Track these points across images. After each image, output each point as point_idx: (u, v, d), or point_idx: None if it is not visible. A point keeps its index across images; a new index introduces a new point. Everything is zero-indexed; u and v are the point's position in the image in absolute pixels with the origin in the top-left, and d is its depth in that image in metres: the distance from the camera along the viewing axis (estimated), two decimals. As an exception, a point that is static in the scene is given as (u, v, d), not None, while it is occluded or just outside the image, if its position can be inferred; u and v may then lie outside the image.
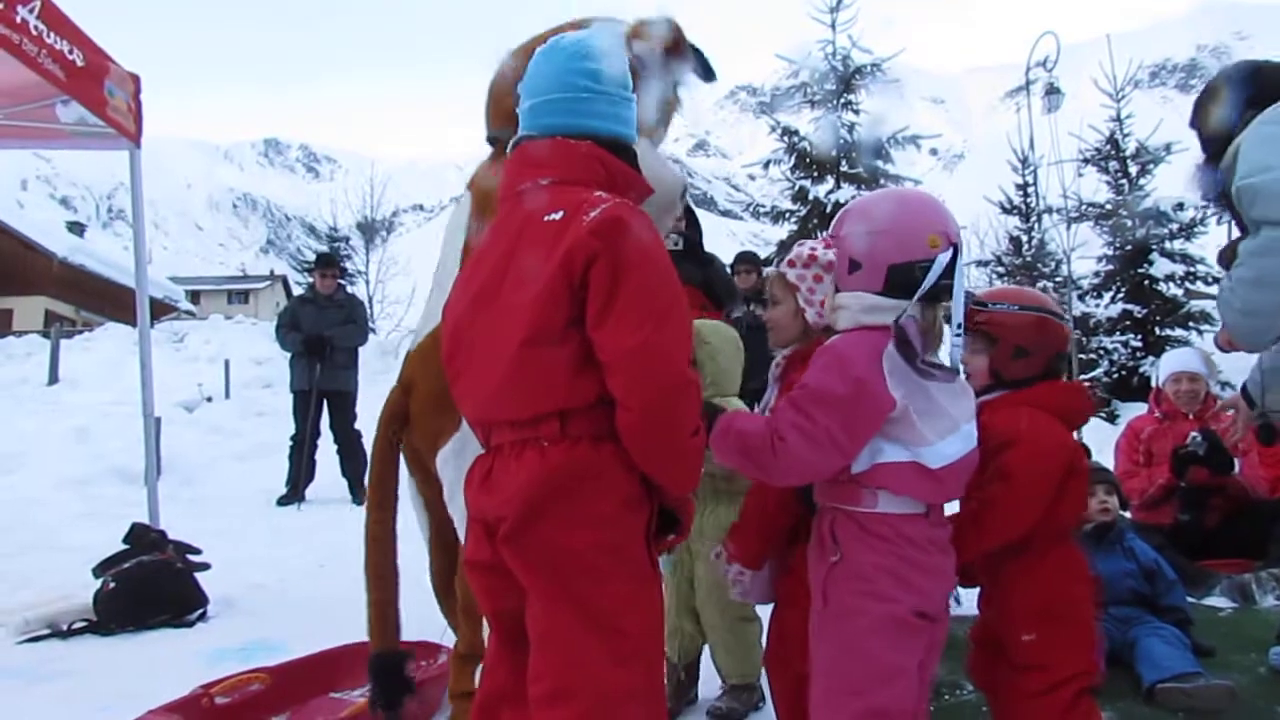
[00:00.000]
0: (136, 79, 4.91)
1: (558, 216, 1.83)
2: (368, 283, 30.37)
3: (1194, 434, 4.55)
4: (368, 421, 7.45)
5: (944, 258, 2.03)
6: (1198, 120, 2.72)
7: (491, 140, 2.91)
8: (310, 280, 8.84)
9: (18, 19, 3.83)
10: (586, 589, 1.77)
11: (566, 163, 1.93)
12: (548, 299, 1.79)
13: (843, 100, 13.91)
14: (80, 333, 19.11)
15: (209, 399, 11.33)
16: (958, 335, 2.04)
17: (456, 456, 2.60)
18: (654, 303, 1.77)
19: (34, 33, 3.93)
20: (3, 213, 38.69)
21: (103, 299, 35.83)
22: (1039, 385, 2.40)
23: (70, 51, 4.23)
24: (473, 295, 1.97)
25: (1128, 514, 4.44)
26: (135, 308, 5.28)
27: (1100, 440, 10.69)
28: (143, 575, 4.33)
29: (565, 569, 1.78)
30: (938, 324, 2.10)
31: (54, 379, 11.83)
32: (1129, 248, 13.05)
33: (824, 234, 2.33)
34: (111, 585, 4.27)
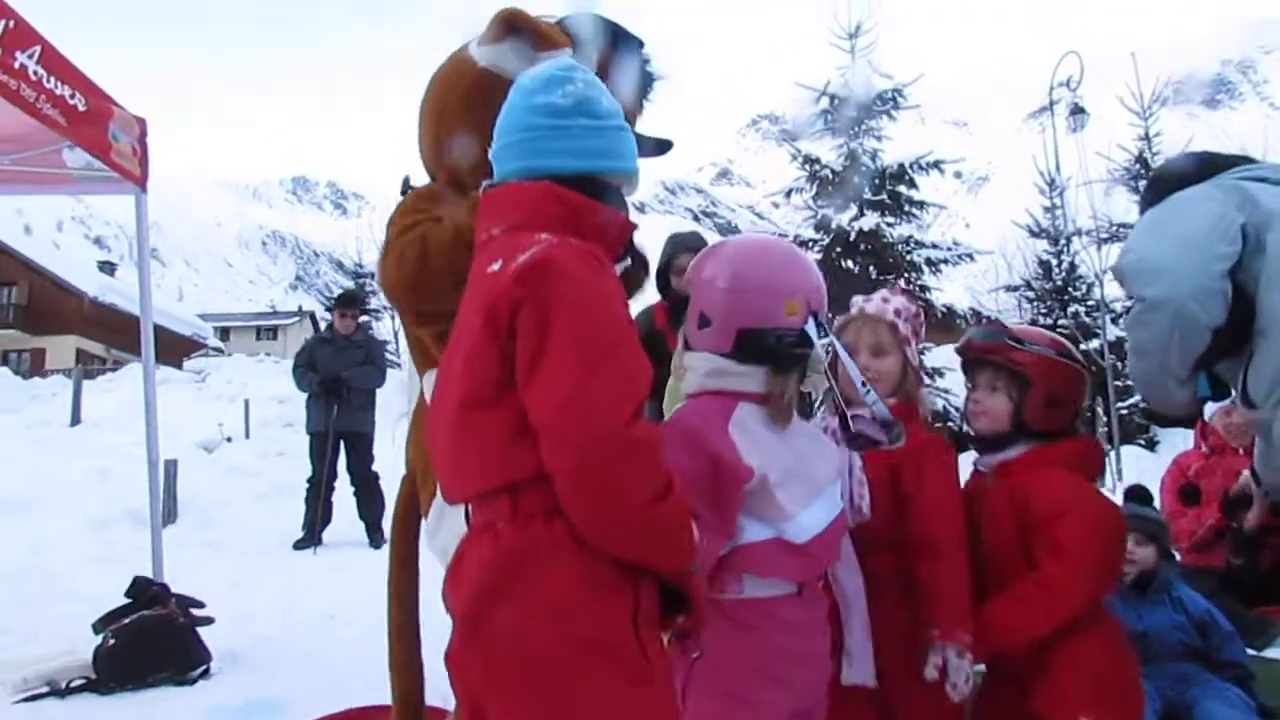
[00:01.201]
0: (142, 122, 4.83)
1: (496, 267, 1.64)
2: (393, 318, 30.51)
3: (1246, 472, 4.29)
4: (385, 463, 7.37)
5: (808, 328, 1.94)
6: (1141, 208, 2.72)
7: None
8: (330, 319, 8.72)
9: (16, 64, 3.75)
10: (555, 694, 1.50)
11: (519, 206, 1.74)
12: (475, 358, 1.60)
13: (865, 127, 13.75)
14: (107, 372, 19.25)
15: (229, 439, 11.28)
16: (867, 389, 2.03)
17: (430, 536, 2.45)
18: (587, 349, 1.52)
19: (33, 78, 3.85)
20: (40, 254, 39.46)
21: (132, 337, 36.08)
22: (1067, 443, 2.26)
23: (72, 96, 4.15)
24: (440, 367, 1.81)
25: (1176, 556, 4.19)
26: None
27: (1141, 470, 10.42)
28: (143, 631, 4.18)
29: (528, 669, 1.52)
30: (788, 396, 1.93)
31: (76, 420, 11.83)
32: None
33: (894, 282, 2.29)
34: (111, 641, 4.12)
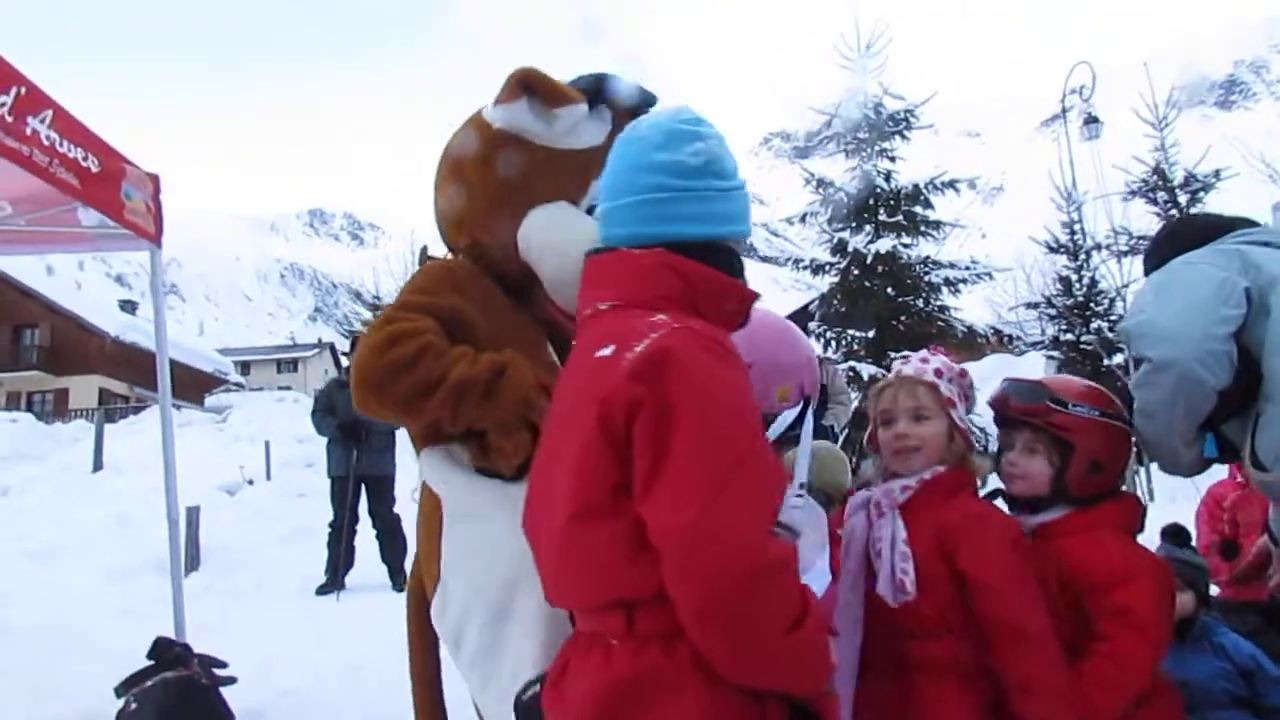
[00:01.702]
0: (155, 179, 4.86)
1: (607, 353, 1.46)
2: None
3: (1264, 538, 4.15)
4: (407, 505, 7.34)
5: (790, 414, 1.96)
6: (1145, 271, 2.77)
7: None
8: (347, 364, 8.70)
9: (28, 130, 3.77)
10: None
11: (629, 279, 1.57)
12: (588, 462, 1.43)
13: (878, 149, 13.70)
14: (129, 413, 19.36)
15: (250, 481, 11.30)
16: (798, 495, 1.63)
17: (438, 617, 2.32)
18: (713, 463, 1.33)
19: (45, 143, 3.87)
20: (62, 295, 39.92)
21: (154, 375, 36.49)
22: (1111, 505, 2.19)
23: (85, 158, 4.17)
24: (543, 453, 1.66)
25: (1214, 590, 4.07)
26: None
27: (1172, 487, 10.24)
28: (166, 695, 4.13)
29: None
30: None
31: (98, 465, 11.88)
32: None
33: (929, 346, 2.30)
34: (133, 706, 4.07)
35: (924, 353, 2.23)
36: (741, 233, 1.66)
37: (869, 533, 2.09)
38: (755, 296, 1.67)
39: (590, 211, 2.33)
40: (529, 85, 2.33)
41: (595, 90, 2.46)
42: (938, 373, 2.15)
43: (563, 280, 2.29)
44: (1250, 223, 2.44)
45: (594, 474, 1.43)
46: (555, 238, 2.35)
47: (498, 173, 2.41)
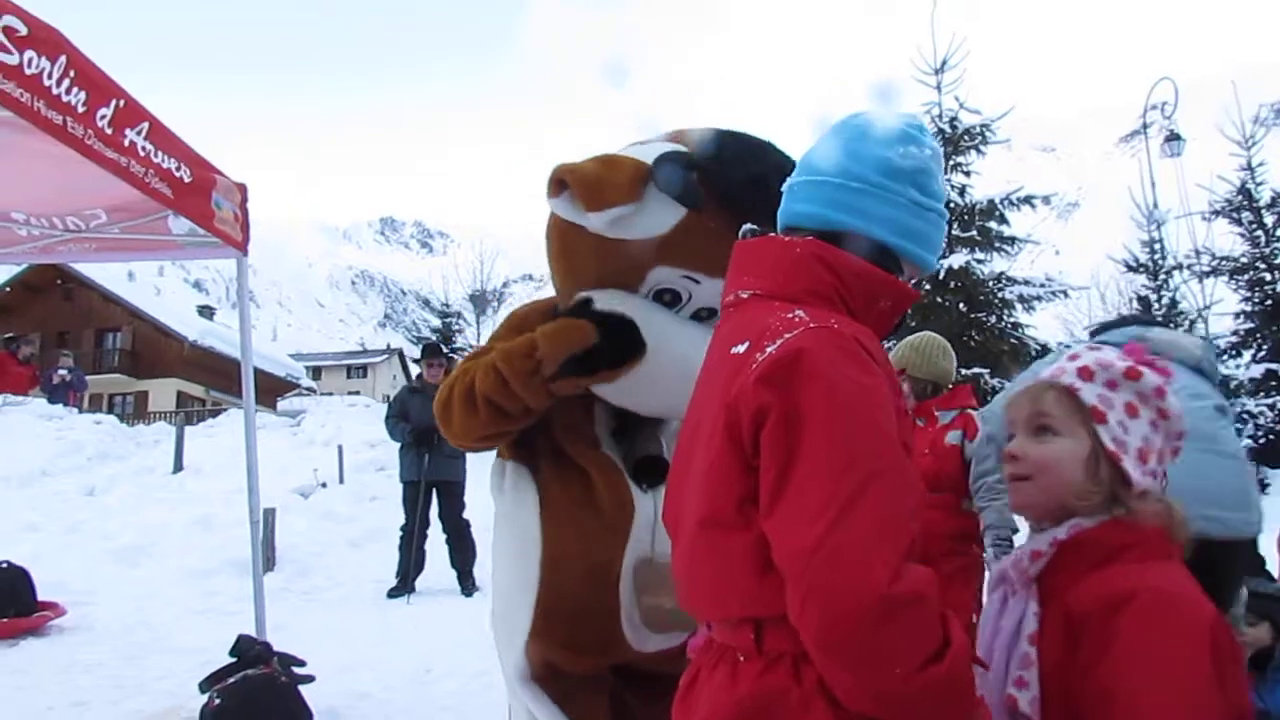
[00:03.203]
0: (243, 188, 4.99)
1: (740, 350, 1.38)
2: (479, 356, 30.91)
3: None
4: (477, 510, 7.42)
5: None
6: None
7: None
8: (418, 371, 8.86)
9: (126, 142, 3.90)
10: None
11: (776, 268, 1.46)
12: (716, 470, 1.36)
13: (952, 163, 13.53)
14: (207, 416, 19.82)
15: (323, 484, 11.49)
16: None
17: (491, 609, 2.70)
18: (840, 479, 1.22)
19: (141, 154, 4.00)
20: (143, 300, 41.04)
21: (230, 379, 37.47)
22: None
23: (178, 169, 4.30)
24: (681, 444, 1.57)
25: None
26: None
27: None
28: (247, 691, 4.24)
29: None
30: None
31: (179, 467, 12.18)
32: (1269, 303, 12.27)
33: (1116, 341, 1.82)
34: (217, 702, 4.19)
35: (1084, 346, 1.65)
36: (922, 259, 1.53)
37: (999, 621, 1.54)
38: (916, 296, 1.53)
39: (656, 297, 2.43)
40: (563, 184, 2.34)
41: (659, 175, 2.37)
42: (1084, 372, 1.53)
43: None
44: None
45: (722, 483, 1.35)
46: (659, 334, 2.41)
47: (558, 252, 2.55)
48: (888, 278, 1.47)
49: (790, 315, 1.36)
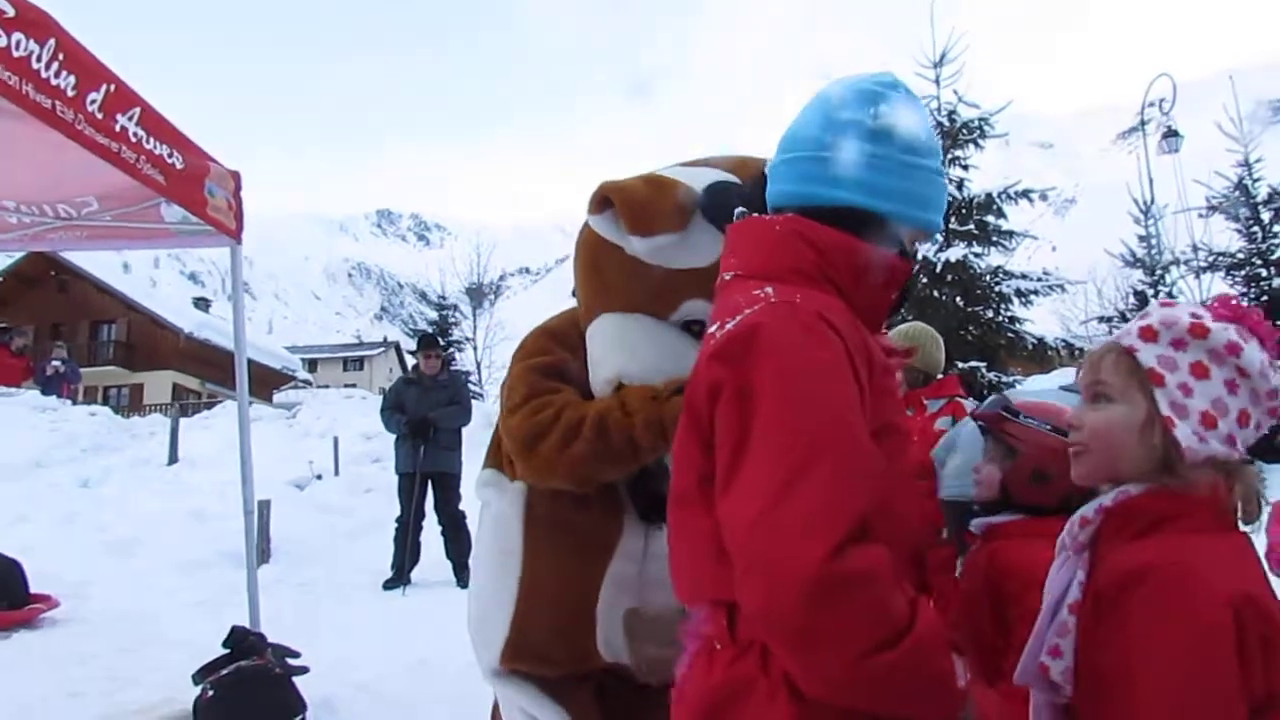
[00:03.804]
0: (237, 176, 4.95)
1: (714, 330, 1.35)
2: (475, 349, 30.96)
3: None
4: (473, 502, 7.42)
5: None
6: None
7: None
8: (414, 363, 8.84)
9: (117, 127, 3.85)
10: None
11: (756, 248, 1.43)
12: (681, 448, 1.35)
13: (950, 156, 13.51)
14: (202, 408, 19.79)
15: (319, 476, 11.48)
16: None
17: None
18: (786, 455, 1.17)
19: (133, 140, 3.94)
20: (138, 292, 40.95)
21: (226, 372, 37.43)
22: (1056, 519, 2.08)
23: (170, 155, 4.25)
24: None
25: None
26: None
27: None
28: (241, 683, 4.22)
29: None
30: None
31: (174, 458, 12.15)
32: (1265, 298, 12.26)
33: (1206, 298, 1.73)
34: (210, 694, 4.17)
35: (1158, 302, 1.53)
36: (917, 220, 1.45)
37: None
38: (907, 269, 1.46)
39: (685, 327, 2.29)
40: (607, 202, 2.25)
41: (709, 205, 2.25)
42: (1145, 332, 1.40)
43: (594, 394, 2.36)
44: None
45: (685, 461, 1.34)
46: (596, 353, 2.35)
47: (589, 268, 2.42)
48: (876, 251, 1.40)
49: (757, 292, 1.33)
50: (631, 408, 2.18)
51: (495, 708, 2.85)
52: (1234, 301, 1.43)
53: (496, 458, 2.61)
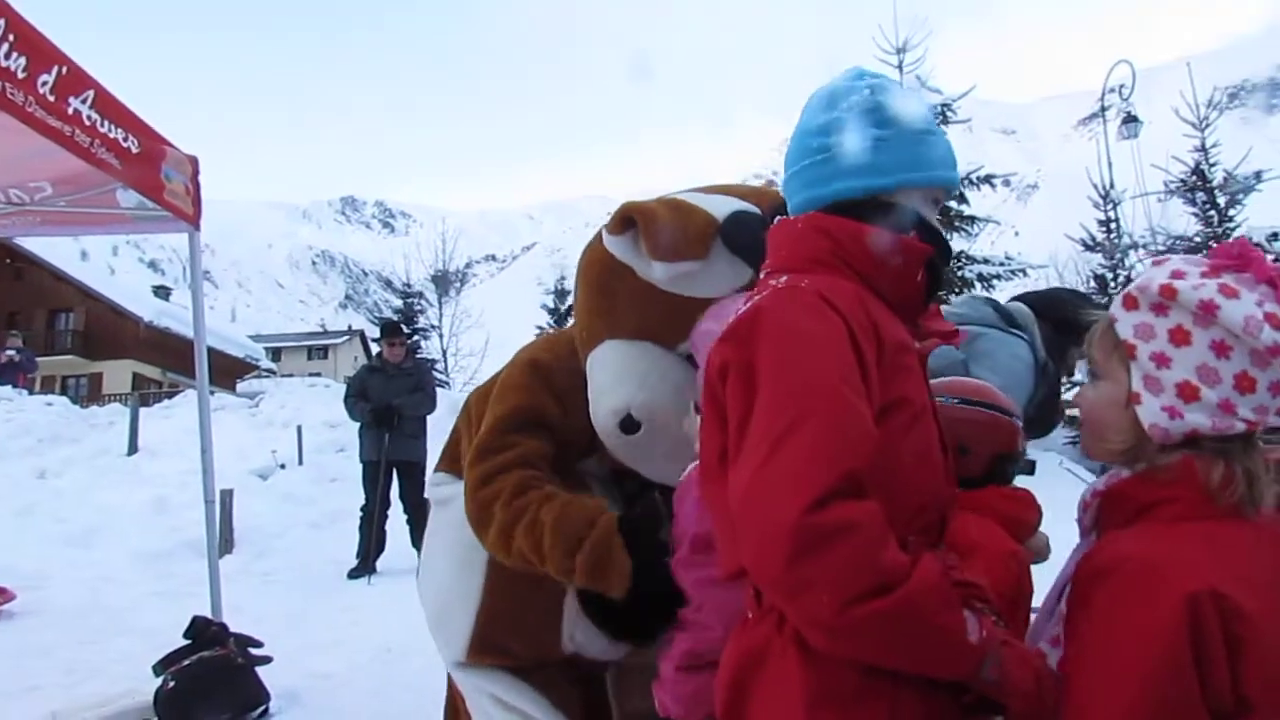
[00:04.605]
0: (194, 161, 4.87)
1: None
2: (441, 337, 30.76)
3: None
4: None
5: None
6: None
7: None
8: (378, 350, 8.76)
9: (70, 110, 3.78)
10: None
11: (780, 245, 1.53)
12: (704, 425, 1.42)
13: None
14: (163, 398, 19.55)
15: (282, 466, 11.37)
16: None
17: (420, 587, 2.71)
18: (774, 420, 1.23)
19: (87, 123, 3.88)
20: (96, 280, 40.34)
21: (187, 360, 36.83)
22: (988, 490, 2.11)
23: (125, 139, 4.18)
24: None
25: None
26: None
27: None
28: (202, 673, 4.19)
29: None
30: None
31: (134, 448, 11.99)
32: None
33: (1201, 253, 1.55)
34: (171, 684, 4.13)
35: (1151, 261, 1.44)
36: (915, 180, 1.49)
37: None
38: (926, 250, 1.47)
39: (690, 358, 2.19)
40: (631, 223, 2.20)
41: (731, 233, 2.20)
42: (1127, 300, 1.35)
43: (596, 423, 2.26)
44: None
45: (708, 438, 1.40)
46: (602, 381, 2.26)
47: (596, 289, 2.34)
48: (889, 235, 1.45)
49: (773, 282, 1.43)
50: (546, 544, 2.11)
51: (450, 700, 2.85)
52: (1238, 247, 1.31)
53: (453, 462, 2.58)
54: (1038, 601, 1.64)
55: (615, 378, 2.22)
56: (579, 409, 2.28)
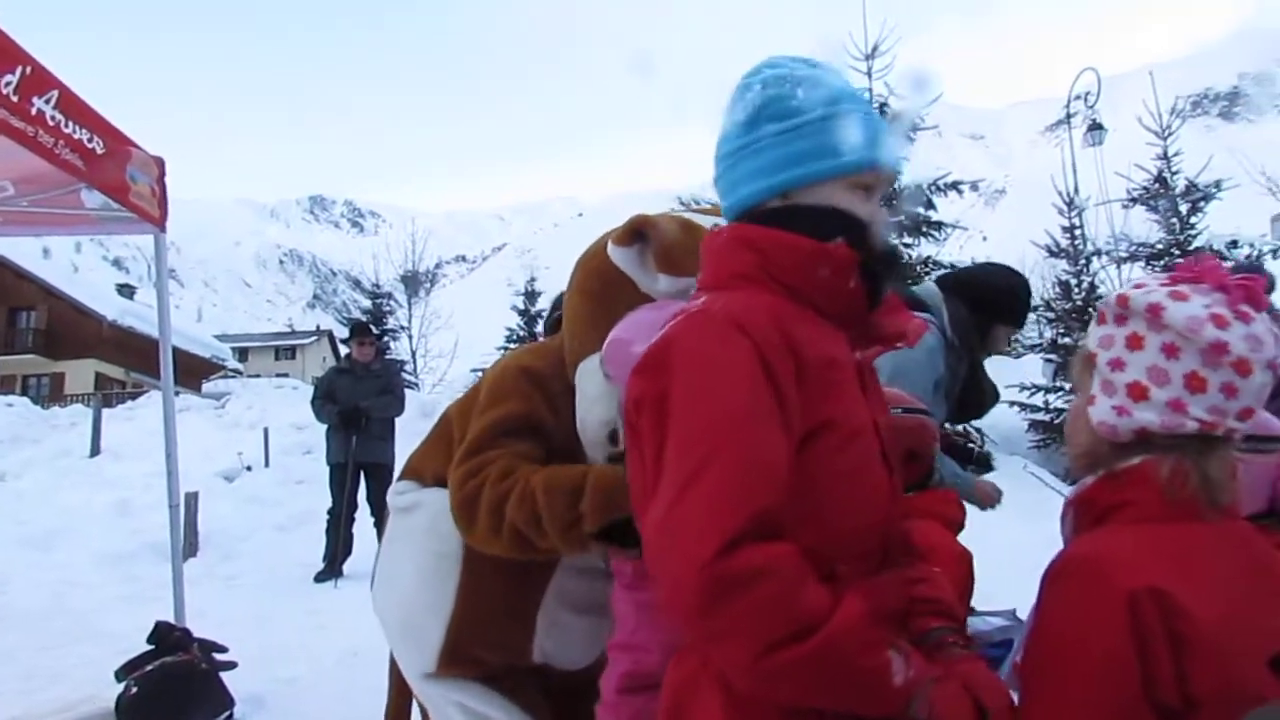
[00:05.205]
0: (160, 162, 4.83)
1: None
2: (410, 338, 30.62)
3: None
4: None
5: None
6: None
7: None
8: (348, 350, 8.69)
9: (33, 111, 3.74)
10: None
11: (706, 260, 1.46)
12: (629, 460, 1.37)
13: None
14: (126, 398, 19.34)
15: (248, 468, 11.29)
16: None
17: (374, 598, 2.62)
18: (683, 459, 1.19)
19: (51, 123, 3.84)
20: (59, 278, 39.80)
21: (151, 360, 36.41)
22: (927, 495, 2.19)
23: (90, 140, 4.14)
24: None
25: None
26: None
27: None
28: (165, 679, 4.15)
29: None
30: None
31: (96, 450, 11.86)
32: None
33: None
34: (134, 690, 4.09)
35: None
36: (825, 170, 1.38)
37: None
38: (854, 259, 1.37)
39: None
40: (642, 236, 2.19)
41: None
42: (1098, 318, 1.42)
43: (584, 433, 2.24)
44: None
45: (634, 470, 1.35)
46: (593, 391, 2.22)
47: (593, 298, 2.31)
48: (814, 246, 1.36)
49: (690, 305, 1.35)
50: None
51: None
52: (1197, 260, 1.36)
53: (415, 472, 2.54)
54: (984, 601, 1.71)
55: (606, 388, 2.19)
56: (570, 418, 2.27)
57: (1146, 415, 1.29)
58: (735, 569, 1.12)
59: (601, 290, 2.27)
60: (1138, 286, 1.36)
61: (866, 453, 1.38)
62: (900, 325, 1.48)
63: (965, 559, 2.06)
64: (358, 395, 8.09)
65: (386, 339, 28.49)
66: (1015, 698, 1.30)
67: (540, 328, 3.48)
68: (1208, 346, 1.27)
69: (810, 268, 1.35)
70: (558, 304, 3.38)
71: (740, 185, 1.41)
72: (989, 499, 3.06)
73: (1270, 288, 1.22)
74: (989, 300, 3.15)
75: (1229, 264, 12.17)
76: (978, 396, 3.23)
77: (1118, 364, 1.33)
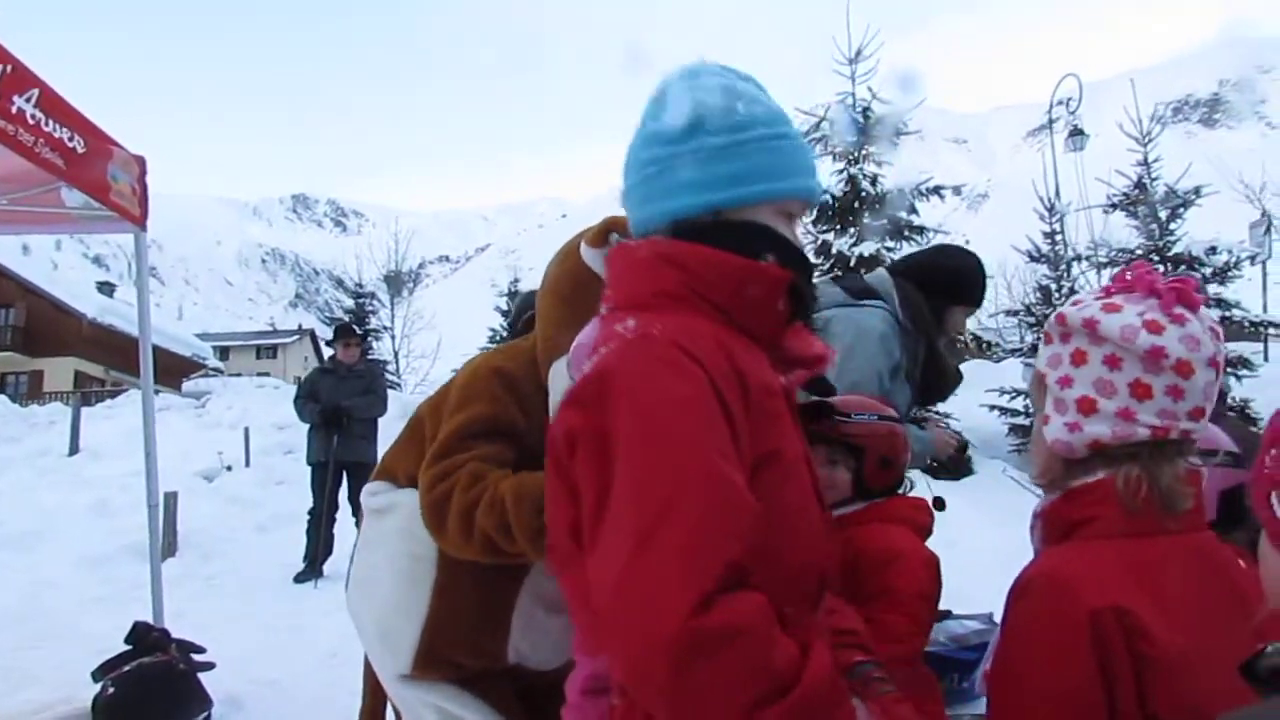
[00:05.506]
0: (142, 161, 4.82)
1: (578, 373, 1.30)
2: (393, 338, 30.54)
3: None
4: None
5: None
6: None
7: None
8: (332, 351, 8.65)
9: (13, 109, 3.73)
10: None
11: (620, 276, 1.35)
12: (549, 499, 1.26)
13: (864, 152, 13.76)
14: (105, 397, 19.21)
15: (229, 468, 11.23)
16: None
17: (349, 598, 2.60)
18: (640, 507, 1.07)
19: (31, 122, 3.83)
20: (38, 275, 39.44)
21: (132, 358, 36.06)
22: (896, 500, 2.25)
23: (71, 139, 4.13)
24: None
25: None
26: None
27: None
28: (143, 679, 4.14)
29: None
30: None
31: (75, 449, 11.77)
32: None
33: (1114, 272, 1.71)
34: (111, 691, 4.08)
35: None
36: (767, 193, 1.32)
37: None
38: (785, 278, 1.31)
39: None
40: (616, 235, 2.16)
41: None
42: (1045, 337, 1.45)
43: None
44: None
45: (554, 511, 1.24)
46: (560, 391, 2.22)
47: (564, 300, 2.29)
48: (745, 264, 1.29)
49: (618, 327, 1.24)
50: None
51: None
52: (1131, 271, 1.38)
53: (389, 472, 2.53)
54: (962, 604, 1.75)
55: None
56: (543, 419, 2.24)
57: (1098, 428, 1.31)
58: (713, 625, 1.00)
59: (573, 292, 2.26)
60: (1075, 304, 1.39)
61: (804, 485, 1.32)
62: (812, 347, 1.43)
63: (934, 565, 2.11)
64: (340, 395, 8.08)
65: (369, 339, 28.41)
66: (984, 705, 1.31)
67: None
68: (1145, 353, 1.29)
69: (740, 286, 1.28)
70: (526, 304, 3.40)
71: (671, 196, 1.31)
72: (948, 447, 3.15)
73: (1201, 287, 1.25)
74: (939, 282, 3.16)
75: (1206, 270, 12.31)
76: (939, 379, 3.22)
77: (1066, 381, 1.36)
